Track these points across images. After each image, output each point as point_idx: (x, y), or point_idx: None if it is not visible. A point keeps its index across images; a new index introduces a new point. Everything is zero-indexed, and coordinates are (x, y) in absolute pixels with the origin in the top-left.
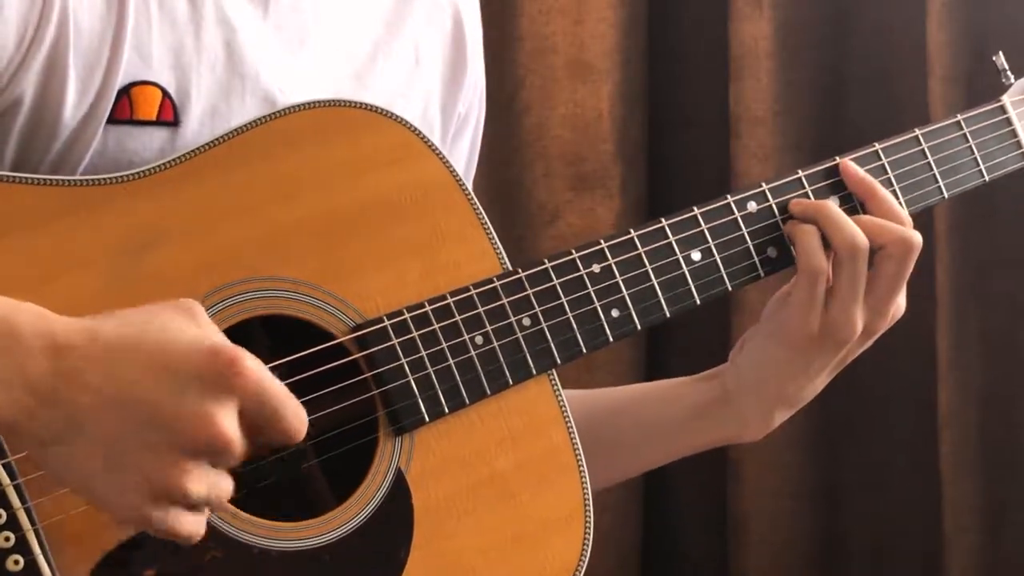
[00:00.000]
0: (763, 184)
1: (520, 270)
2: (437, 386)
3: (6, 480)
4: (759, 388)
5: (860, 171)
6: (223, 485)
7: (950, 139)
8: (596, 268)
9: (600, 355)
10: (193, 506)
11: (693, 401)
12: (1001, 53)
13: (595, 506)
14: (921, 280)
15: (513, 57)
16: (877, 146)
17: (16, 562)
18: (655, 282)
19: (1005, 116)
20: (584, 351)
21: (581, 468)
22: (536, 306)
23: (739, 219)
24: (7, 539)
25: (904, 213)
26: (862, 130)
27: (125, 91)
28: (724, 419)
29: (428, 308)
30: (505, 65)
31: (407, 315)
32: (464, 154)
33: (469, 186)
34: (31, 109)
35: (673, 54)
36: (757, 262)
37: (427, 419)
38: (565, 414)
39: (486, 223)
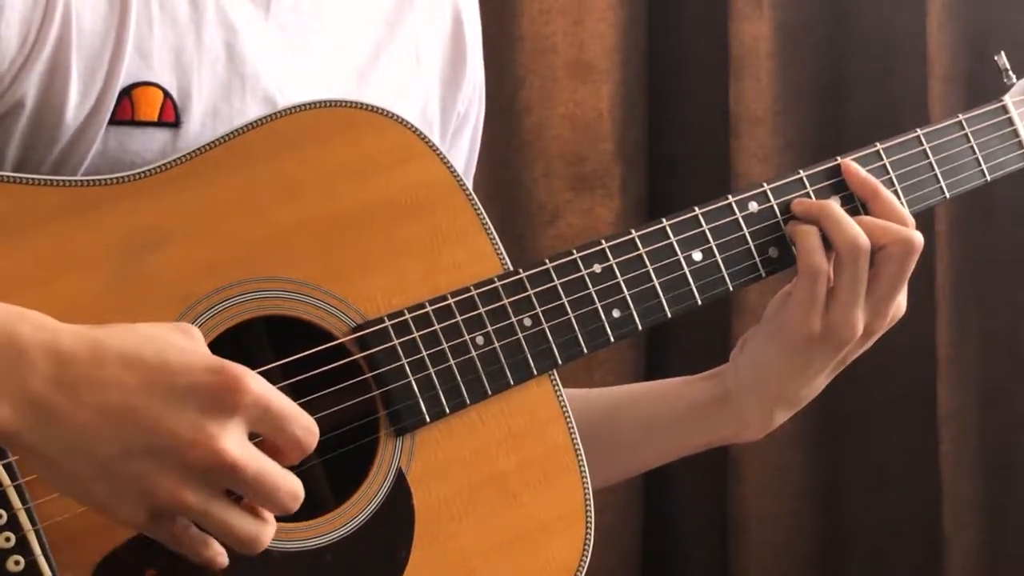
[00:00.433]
0: (764, 184)
1: (521, 270)
2: (438, 386)
3: (7, 481)
4: (759, 388)
5: (862, 171)
6: (220, 505)
7: (952, 139)
8: (597, 268)
9: (600, 355)
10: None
11: (693, 400)
12: (1003, 53)
13: (595, 506)
14: (921, 280)
15: (513, 57)
16: (879, 146)
17: (17, 563)
18: (656, 282)
19: (1007, 116)
20: (585, 351)
21: (582, 468)
22: (537, 306)
23: (740, 219)
24: (8, 540)
25: (906, 213)
26: (862, 130)
27: (127, 92)
28: (724, 418)
29: (429, 308)
30: (505, 65)
31: (408, 316)
32: (464, 152)
33: (470, 184)
34: (33, 110)
35: (673, 54)
36: (758, 262)
37: (428, 419)
38: (566, 414)
39: (487, 224)
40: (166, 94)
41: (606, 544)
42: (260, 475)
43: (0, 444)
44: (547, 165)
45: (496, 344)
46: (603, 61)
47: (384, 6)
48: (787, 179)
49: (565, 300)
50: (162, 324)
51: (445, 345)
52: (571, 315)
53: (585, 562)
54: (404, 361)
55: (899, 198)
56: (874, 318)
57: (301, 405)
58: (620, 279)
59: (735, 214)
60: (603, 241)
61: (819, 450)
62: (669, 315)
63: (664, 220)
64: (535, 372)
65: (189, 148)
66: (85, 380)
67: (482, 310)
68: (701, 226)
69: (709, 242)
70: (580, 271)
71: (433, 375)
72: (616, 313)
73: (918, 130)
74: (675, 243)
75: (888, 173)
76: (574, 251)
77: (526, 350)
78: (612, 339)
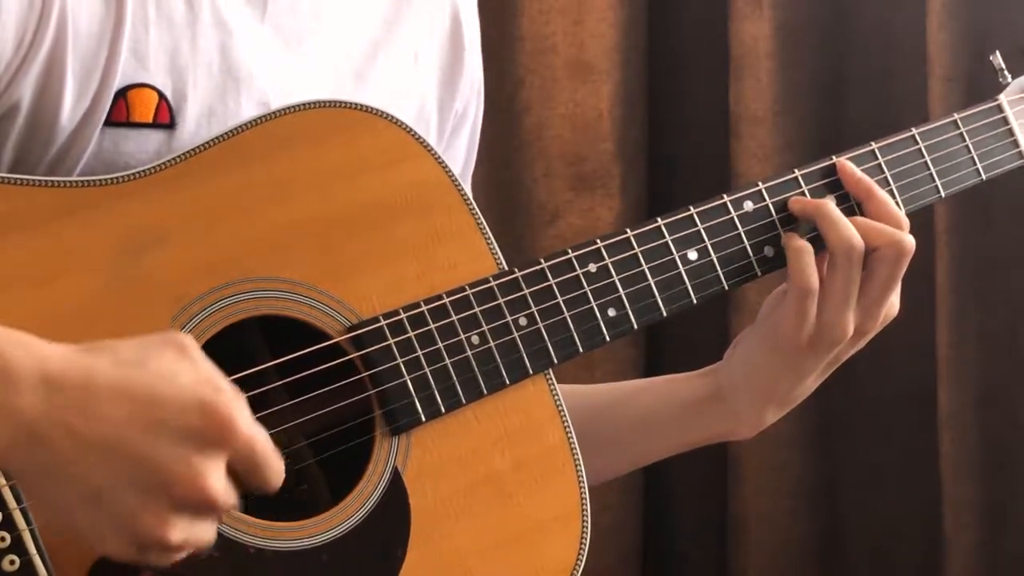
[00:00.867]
0: (759, 183)
1: (516, 270)
2: (433, 386)
3: (2, 480)
4: (751, 387)
5: (857, 171)
6: (204, 535)
7: (947, 138)
8: (592, 267)
9: (599, 354)
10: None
11: (686, 397)
12: (998, 52)
13: (594, 505)
14: (921, 280)
15: (513, 57)
16: (874, 145)
17: (12, 562)
18: (652, 281)
19: (1002, 115)
20: (581, 350)
21: (578, 467)
22: (532, 306)
23: (735, 218)
24: (3, 539)
25: (901, 213)
26: (862, 130)
27: (122, 94)
28: (717, 416)
29: (424, 308)
30: (505, 65)
31: (403, 315)
32: (462, 151)
33: (469, 182)
34: (29, 112)
35: (673, 54)
36: (754, 261)
37: (423, 419)
38: (562, 413)
39: (482, 223)
40: (161, 96)
41: (606, 543)
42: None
43: None
44: (547, 165)
45: (492, 343)
46: (603, 61)
47: (382, 5)
48: (782, 178)
49: (560, 299)
50: (155, 339)
51: (440, 344)
52: (566, 314)
53: (581, 562)
54: (399, 360)
55: (894, 197)
56: (865, 319)
57: (296, 405)
58: (615, 278)
59: (730, 213)
60: (598, 240)
61: (818, 449)
62: (665, 314)
63: (659, 219)
64: (531, 371)
65: (184, 149)
66: (75, 409)
67: (477, 309)
68: (696, 225)
69: (704, 241)
70: (575, 270)
71: (428, 374)
72: (612, 312)
73: (913, 129)
74: (670, 242)
75: (883, 172)
76: (569, 250)
77: (521, 349)
78: (608, 338)
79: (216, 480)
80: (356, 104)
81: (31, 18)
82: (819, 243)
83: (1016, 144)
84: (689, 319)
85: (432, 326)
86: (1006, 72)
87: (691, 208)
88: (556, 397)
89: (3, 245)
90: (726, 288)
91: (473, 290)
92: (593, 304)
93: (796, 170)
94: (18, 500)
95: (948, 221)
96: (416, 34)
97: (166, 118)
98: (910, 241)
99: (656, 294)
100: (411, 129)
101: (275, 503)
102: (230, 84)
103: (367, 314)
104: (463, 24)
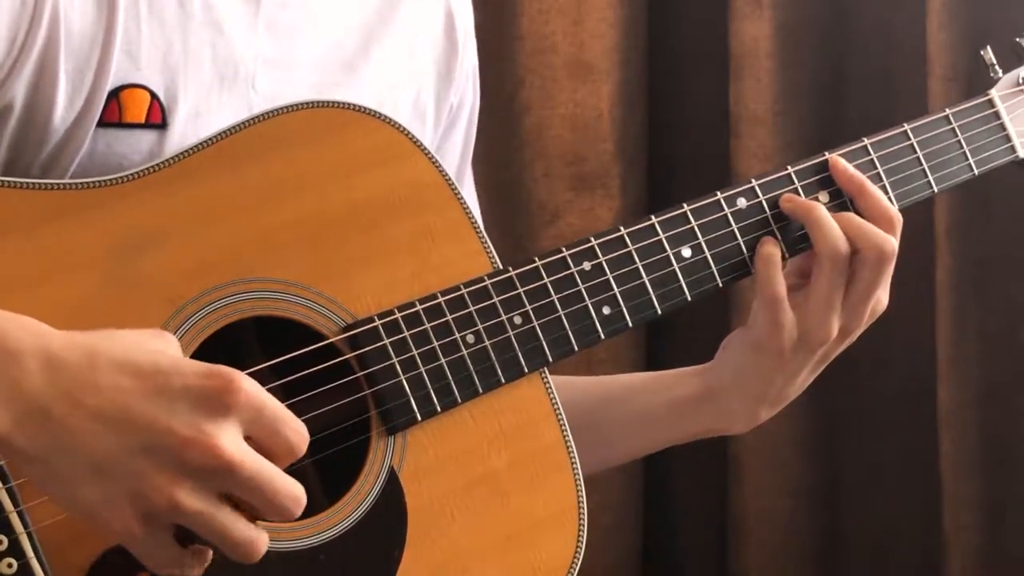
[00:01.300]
0: (752, 180)
1: (511, 268)
2: (429, 385)
3: None
4: (740, 388)
5: (849, 167)
6: (217, 507)
7: (939, 133)
8: (587, 266)
9: (600, 354)
10: (185, 530)
11: (679, 394)
12: (989, 48)
13: (594, 505)
14: (921, 280)
15: (513, 57)
16: (866, 141)
17: (10, 565)
18: (646, 279)
19: (993, 110)
20: (576, 349)
21: (574, 466)
22: (527, 304)
23: (729, 215)
24: (0, 542)
25: (893, 209)
26: (862, 130)
27: (114, 94)
28: (709, 414)
29: (419, 307)
30: (505, 65)
31: (398, 315)
32: (459, 144)
33: (468, 173)
34: (22, 113)
35: (673, 54)
36: (747, 258)
37: (419, 418)
38: (557, 412)
39: (476, 222)
40: (153, 96)
41: (606, 543)
42: (258, 475)
43: None
44: (547, 165)
45: (487, 342)
46: (603, 61)
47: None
48: (775, 175)
49: (555, 298)
50: (141, 330)
51: (435, 344)
52: (561, 312)
53: (578, 560)
54: (395, 360)
55: (887, 193)
56: (850, 319)
57: (292, 405)
58: (609, 276)
59: (723, 210)
60: (592, 239)
61: (818, 449)
62: (659, 312)
63: (653, 217)
64: (526, 370)
65: (176, 150)
66: (80, 384)
67: (472, 308)
68: (690, 222)
69: (698, 238)
70: (570, 269)
71: (424, 374)
72: (606, 310)
73: (905, 125)
74: (664, 240)
75: (876, 168)
76: (563, 249)
77: (516, 348)
78: (603, 336)
79: (227, 441)
80: (349, 104)
81: (23, 19)
82: (808, 240)
83: (1008, 139)
84: (690, 320)
85: (427, 325)
86: (997, 67)
87: (684, 205)
88: (551, 395)
89: None
90: (720, 285)
91: (468, 289)
92: (588, 302)
93: (789, 167)
94: (15, 503)
95: (948, 221)
96: (410, 26)
97: (158, 118)
98: (892, 245)
99: (650, 291)
100: (404, 128)
101: None
102: (222, 83)
103: (362, 314)
104: (457, 17)
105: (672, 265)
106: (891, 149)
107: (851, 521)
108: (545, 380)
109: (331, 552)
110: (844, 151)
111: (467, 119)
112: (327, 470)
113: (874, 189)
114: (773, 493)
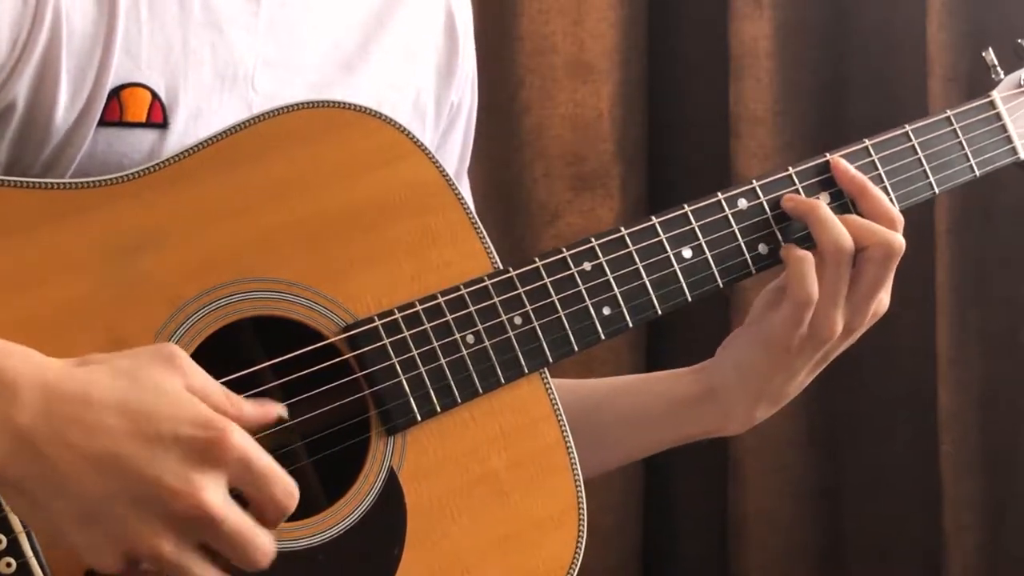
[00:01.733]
0: (753, 181)
1: (511, 269)
2: (429, 385)
3: None
4: (742, 385)
5: (851, 168)
6: (195, 558)
7: (940, 134)
8: (587, 266)
9: (600, 354)
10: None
11: (677, 394)
12: (991, 49)
13: (595, 506)
14: (921, 280)
15: (513, 57)
16: (867, 142)
17: (8, 564)
18: (646, 280)
19: (995, 111)
20: (576, 349)
21: (574, 466)
22: (527, 305)
23: (729, 216)
24: None
25: (895, 210)
26: (862, 130)
27: (115, 93)
28: (707, 413)
29: (419, 308)
30: (505, 65)
31: (398, 315)
32: (458, 145)
33: (466, 175)
34: (24, 112)
35: (673, 54)
36: (748, 259)
37: (419, 418)
38: (557, 412)
39: (476, 223)
40: (154, 95)
41: (606, 544)
42: (238, 531)
43: None
44: (547, 165)
45: (487, 342)
46: (603, 61)
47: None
48: (776, 176)
49: (555, 298)
50: (145, 352)
51: (435, 344)
52: (561, 313)
53: (578, 560)
54: (394, 360)
55: (888, 194)
56: (854, 317)
57: (291, 405)
58: (610, 277)
59: (724, 211)
60: (593, 239)
61: (819, 450)
62: (660, 312)
63: (654, 218)
64: (526, 370)
65: (177, 149)
66: (72, 421)
67: (472, 309)
68: (691, 223)
69: (699, 239)
70: (570, 269)
71: (424, 374)
72: (606, 311)
73: (907, 126)
74: (664, 240)
75: (877, 169)
76: (563, 249)
77: (516, 348)
78: (603, 336)
79: (212, 494)
80: (349, 104)
81: (25, 18)
82: (810, 240)
83: (1009, 140)
84: (690, 321)
85: (427, 326)
86: (999, 68)
87: (685, 206)
88: (551, 396)
89: None
90: (720, 286)
91: (468, 289)
92: (588, 302)
93: (790, 167)
94: None
95: (948, 221)
96: (410, 27)
97: (159, 117)
98: (899, 241)
99: (651, 292)
100: (404, 128)
101: None
102: (223, 83)
103: (362, 314)
104: (456, 15)
105: (673, 266)
106: (892, 150)
107: (852, 522)
108: (545, 381)
109: (330, 552)
110: (845, 152)
111: (466, 120)
112: (327, 470)
113: (876, 190)
114: (774, 494)
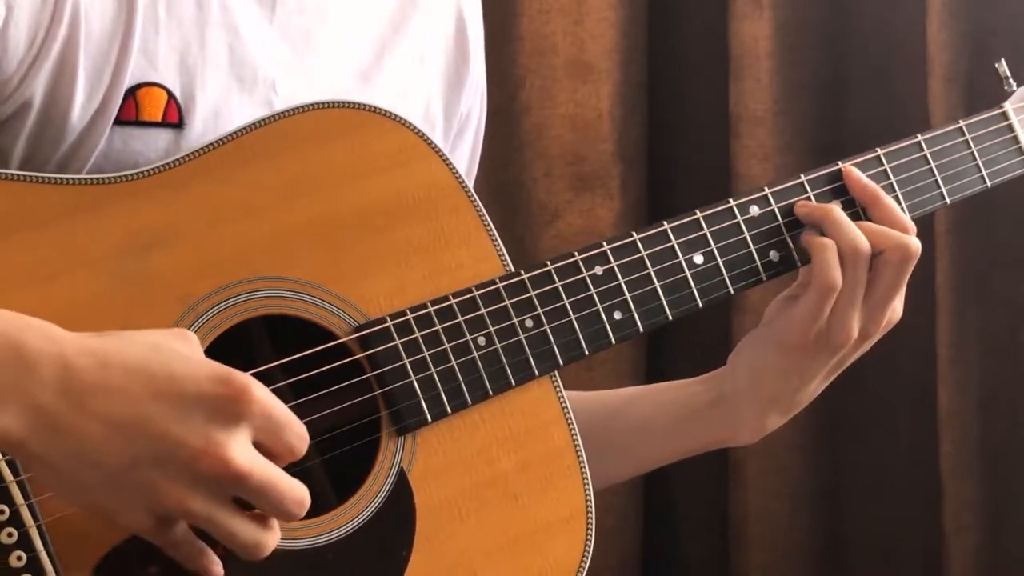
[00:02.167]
0: (765, 188)
1: (523, 271)
2: (439, 386)
3: (9, 476)
4: (755, 392)
5: (863, 177)
6: (226, 512)
7: (952, 145)
8: (599, 270)
9: (601, 355)
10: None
11: (687, 404)
12: (1004, 60)
13: (596, 507)
14: (921, 281)
15: (513, 57)
16: (879, 151)
17: (19, 558)
18: (657, 285)
19: (1007, 123)
20: (586, 353)
21: (583, 469)
22: (539, 308)
23: (741, 223)
24: (10, 535)
25: (907, 219)
26: (862, 130)
27: (131, 92)
28: (719, 422)
29: (431, 309)
30: (505, 65)
31: (410, 316)
32: (466, 154)
33: (471, 185)
34: (40, 110)
35: (673, 54)
36: (759, 266)
37: (429, 419)
38: (567, 415)
39: (489, 225)
40: (170, 95)
41: (607, 545)
42: (266, 483)
43: (7, 453)
44: (547, 165)
45: (498, 345)
46: (603, 61)
47: (389, 7)
48: (788, 183)
49: (567, 301)
50: (161, 331)
51: (447, 345)
52: (572, 317)
53: (586, 563)
54: (406, 361)
55: (900, 203)
56: (869, 322)
57: (302, 404)
58: (621, 281)
59: (736, 217)
60: (604, 243)
61: (819, 451)
62: (671, 317)
63: (665, 223)
64: (536, 373)
65: (192, 149)
66: (92, 390)
67: (484, 311)
68: (702, 229)
69: (710, 245)
70: (582, 273)
71: (435, 375)
72: (617, 315)
73: (919, 136)
74: (676, 246)
75: (889, 178)
76: (575, 253)
77: (527, 351)
78: (613, 341)
79: (238, 451)
80: (363, 104)
81: (44, 16)
82: None
83: (1021, 151)
84: (690, 321)
85: (439, 327)
86: (1011, 80)
87: (697, 212)
88: (562, 399)
89: (11, 242)
90: (731, 292)
91: (480, 292)
92: (599, 307)
93: (802, 175)
94: (25, 496)
95: (948, 222)
96: (422, 36)
97: (175, 117)
98: (916, 244)
99: (662, 297)
100: (418, 130)
101: None
102: (238, 84)
103: (374, 315)
104: (468, 26)
105: (684, 272)
106: (904, 159)
107: (852, 522)
108: (555, 383)
109: (339, 551)
110: (857, 161)
111: (474, 131)
112: (337, 469)
113: (888, 199)
114: (774, 495)
